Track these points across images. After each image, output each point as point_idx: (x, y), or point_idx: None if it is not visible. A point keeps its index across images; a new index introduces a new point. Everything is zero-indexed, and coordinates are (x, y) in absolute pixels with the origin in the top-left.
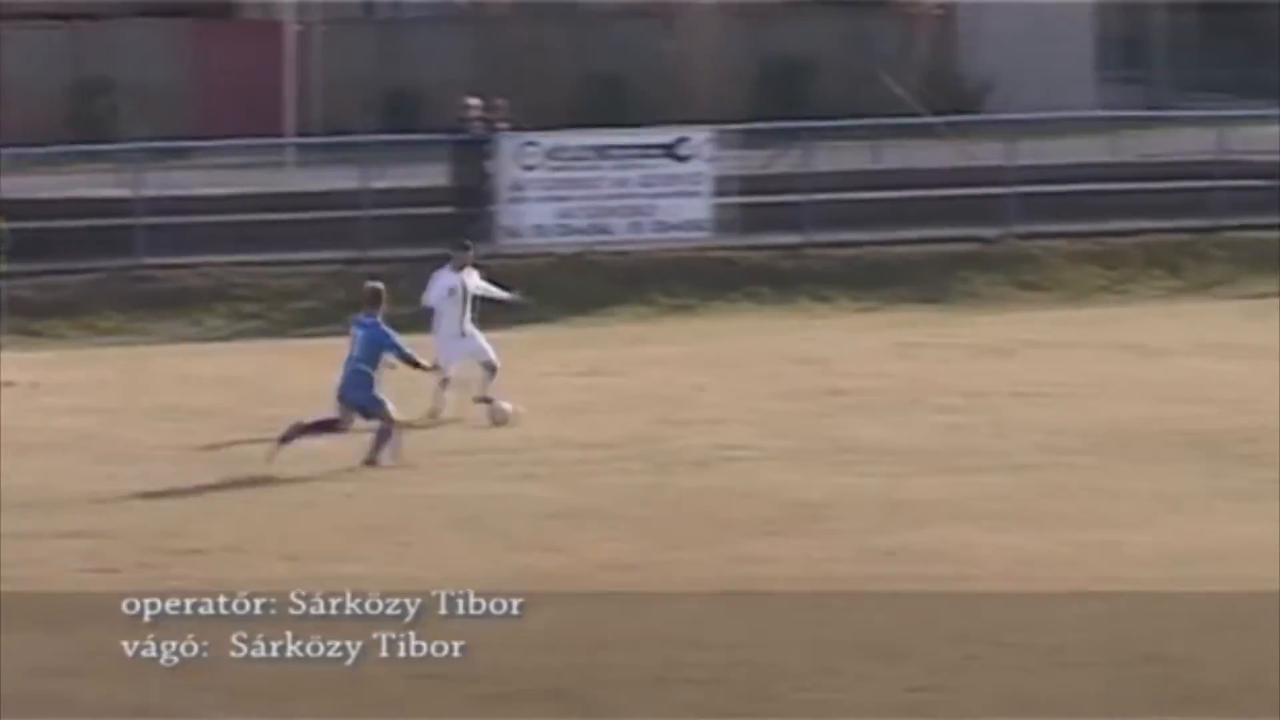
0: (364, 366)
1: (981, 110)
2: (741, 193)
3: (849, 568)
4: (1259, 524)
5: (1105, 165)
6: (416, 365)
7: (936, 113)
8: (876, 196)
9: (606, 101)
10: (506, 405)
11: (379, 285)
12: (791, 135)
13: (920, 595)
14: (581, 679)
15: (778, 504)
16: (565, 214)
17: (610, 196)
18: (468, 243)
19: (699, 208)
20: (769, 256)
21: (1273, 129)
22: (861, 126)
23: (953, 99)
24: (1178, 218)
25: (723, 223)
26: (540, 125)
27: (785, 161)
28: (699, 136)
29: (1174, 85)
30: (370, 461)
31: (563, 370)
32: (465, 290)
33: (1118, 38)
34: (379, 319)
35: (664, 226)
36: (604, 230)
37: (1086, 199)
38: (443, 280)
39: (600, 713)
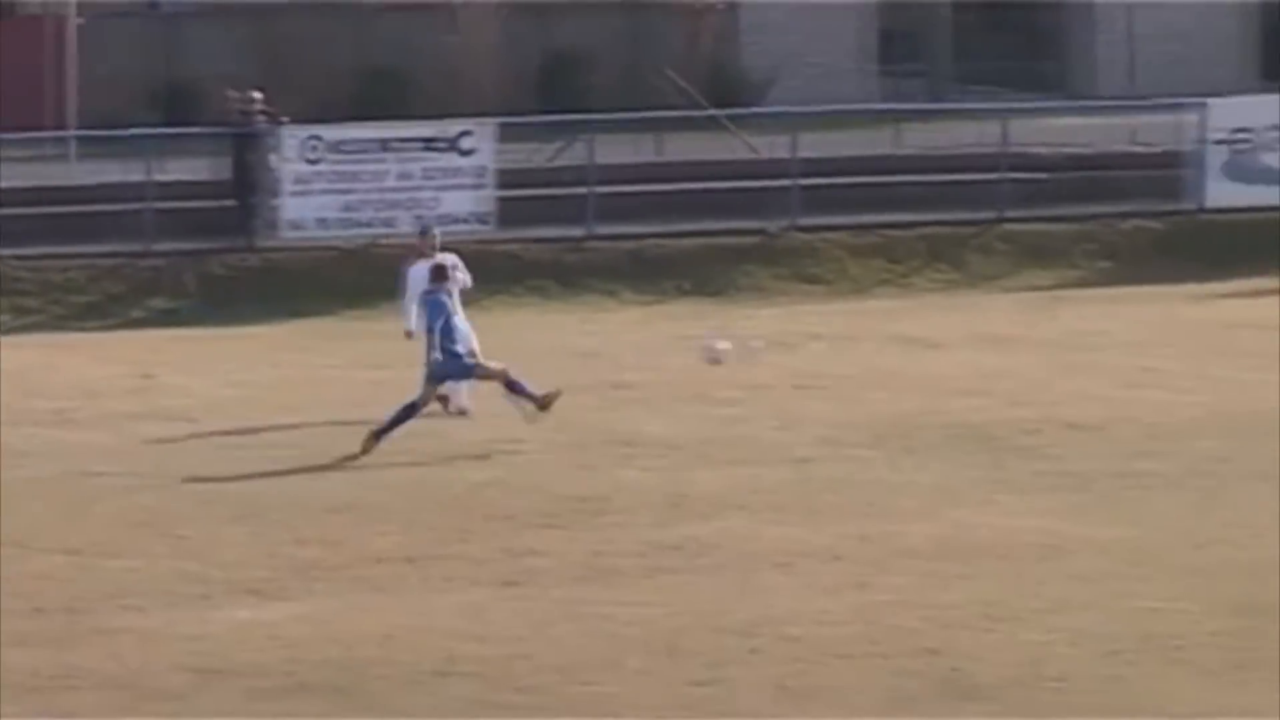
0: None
1: (764, 104)
2: (525, 186)
3: (631, 561)
4: (1039, 516)
5: (887, 158)
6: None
7: (718, 106)
8: (659, 189)
9: (388, 96)
10: (466, 402)
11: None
12: (574, 129)
13: (703, 588)
14: (361, 672)
15: (559, 497)
16: (348, 207)
17: (393, 190)
18: (427, 226)
19: (482, 201)
20: (553, 250)
21: (1052, 122)
22: (644, 120)
23: (735, 93)
24: (959, 210)
25: (506, 216)
26: (322, 119)
27: (568, 155)
28: (481, 130)
29: (955, 79)
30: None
31: (349, 364)
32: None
33: (899, 32)
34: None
35: (447, 219)
36: (387, 223)
37: (869, 192)
38: (418, 272)
39: (380, 706)
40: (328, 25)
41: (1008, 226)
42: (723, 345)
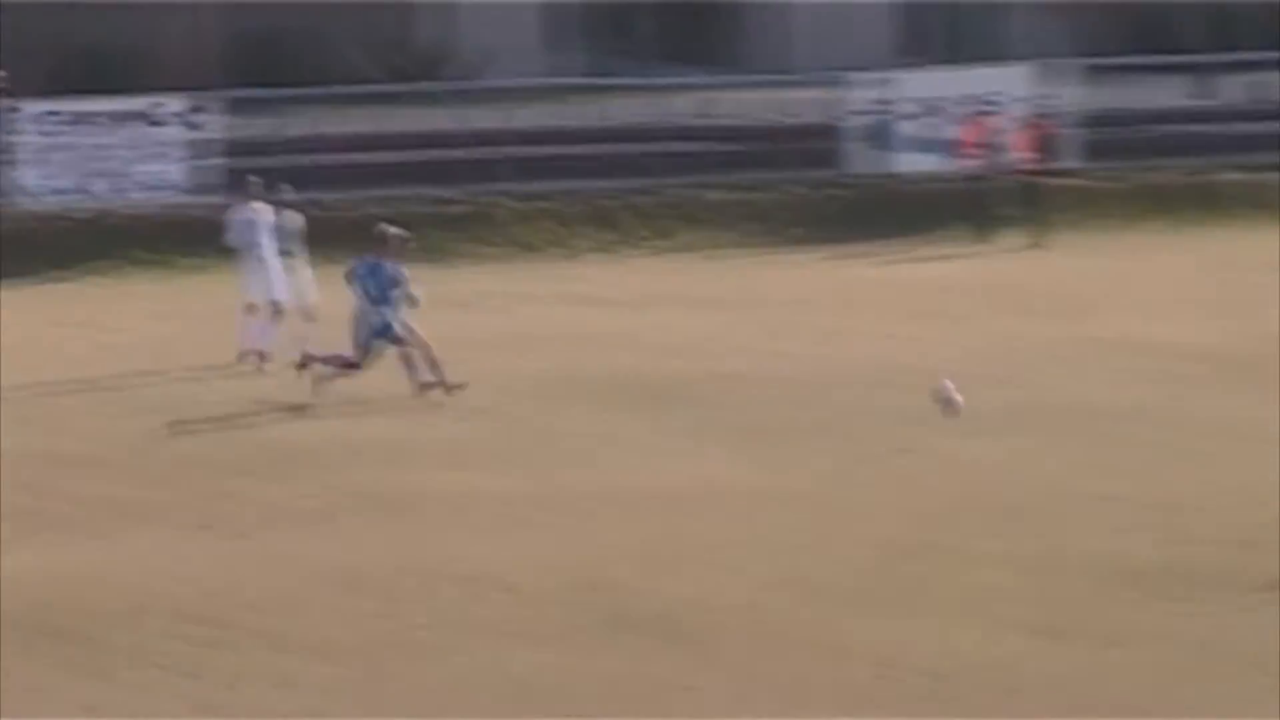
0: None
1: (438, 78)
2: (219, 155)
3: (316, 503)
4: (699, 464)
5: (556, 130)
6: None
7: (397, 80)
8: (343, 159)
9: (88, 71)
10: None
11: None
12: (267, 102)
13: (383, 531)
14: (72, 613)
15: (254, 446)
16: (50, 176)
17: (93, 160)
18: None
19: (178, 171)
20: None
21: (712, 95)
22: (330, 94)
23: (412, 67)
24: (622, 177)
25: (202, 184)
26: (25, 93)
27: (260, 126)
28: (176, 103)
29: (619, 54)
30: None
31: (54, 323)
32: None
33: (566, 8)
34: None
35: (144, 187)
36: (87, 191)
37: (539, 161)
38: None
39: (78, 640)
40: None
41: (666, 193)
42: (958, 397)
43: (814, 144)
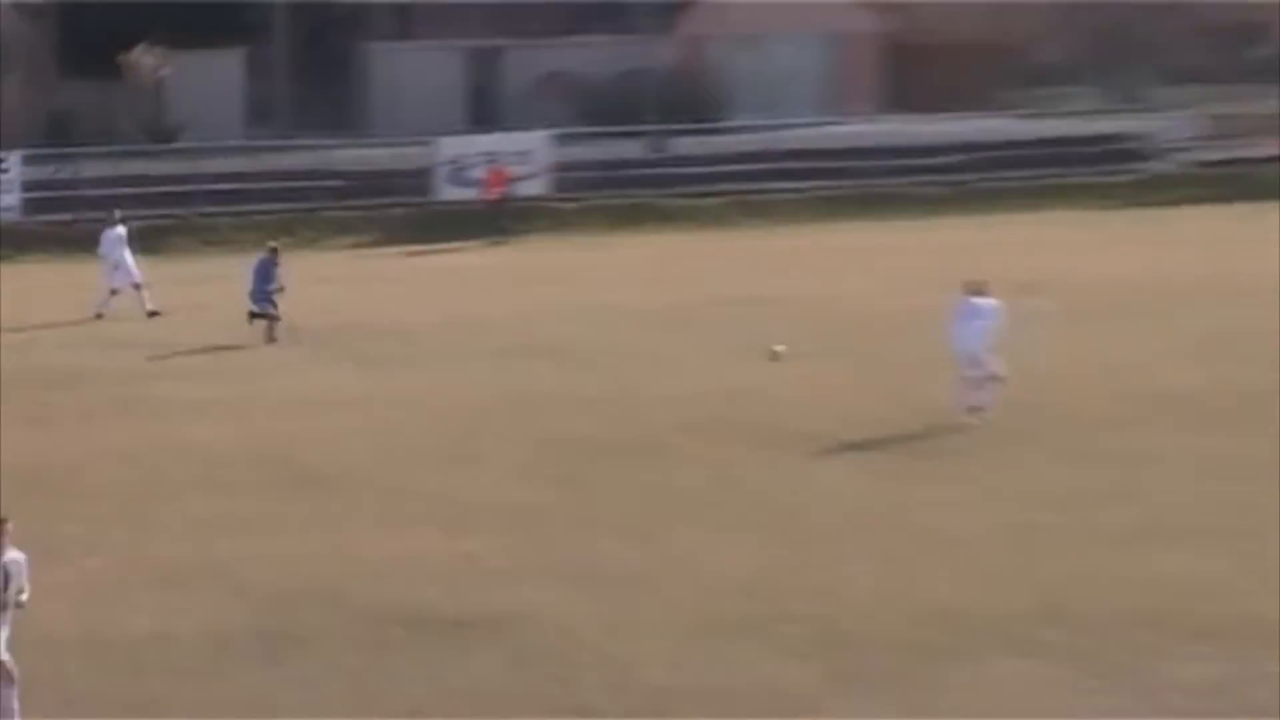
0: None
1: (174, 139)
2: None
3: (99, 406)
4: (337, 378)
5: (238, 173)
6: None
7: (151, 140)
8: (118, 191)
9: None
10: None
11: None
12: (68, 156)
13: (134, 422)
14: None
15: (62, 373)
16: None
17: None
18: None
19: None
20: None
21: (347, 151)
22: (111, 151)
23: (161, 133)
24: (282, 202)
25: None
26: None
27: (65, 171)
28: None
29: (287, 124)
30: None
31: None
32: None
33: (263, 95)
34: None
35: None
36: None
37: (222, 193)
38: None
39: None
40: None
41: (319, 213)
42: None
43: (413, 180)
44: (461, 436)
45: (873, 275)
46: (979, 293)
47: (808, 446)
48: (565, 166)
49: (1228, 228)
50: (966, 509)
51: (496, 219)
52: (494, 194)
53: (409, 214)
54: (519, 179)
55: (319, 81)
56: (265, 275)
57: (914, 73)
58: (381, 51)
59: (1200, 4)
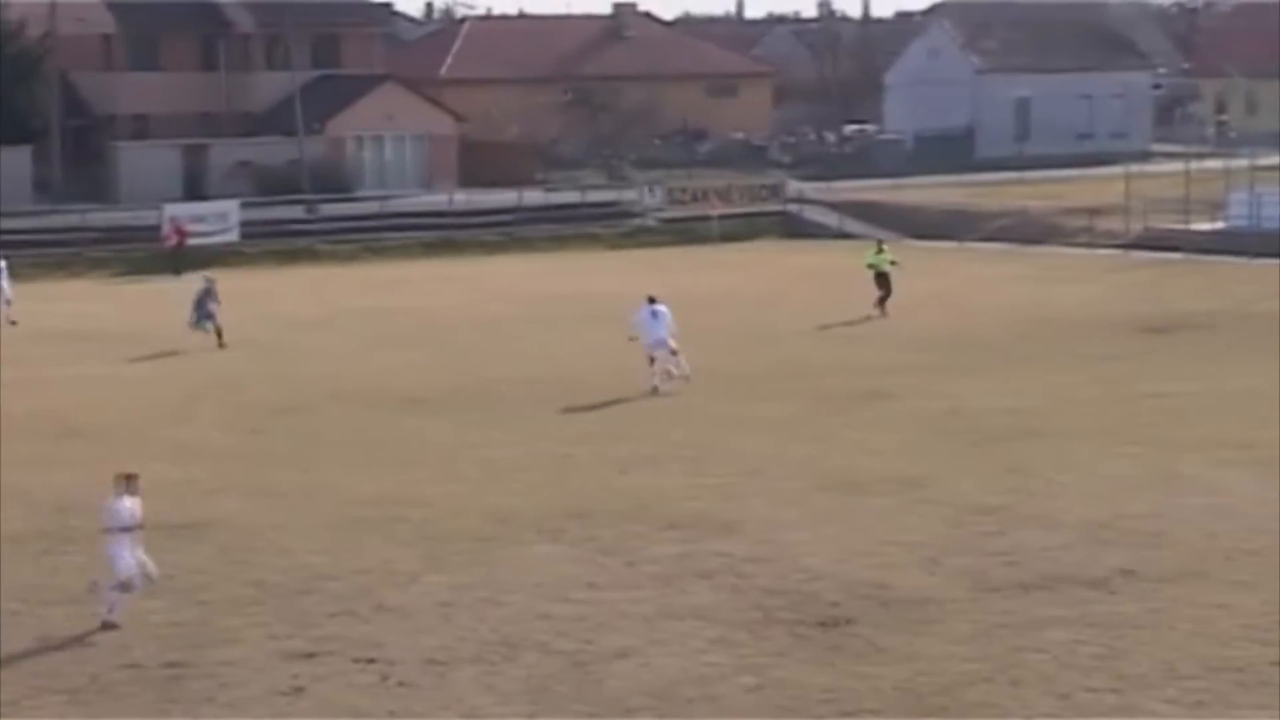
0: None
1: None
2: None
3: None
4: (100, 366)
5: (35, 228)
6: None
7: None
8: None
9: None
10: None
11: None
12: None
13: None
14: None
15: None
16: None
17: None
18: None
19: None
20: None
21: (106, 214)
22: None
23: None
24: (56, 249)
25: None
26: None
27: None
28: None
29: (61, 194)
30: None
31: None
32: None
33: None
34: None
35: None
36: None
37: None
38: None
39: None
40: None
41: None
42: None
43: (147, 233)
44: (182, 402)
45: (455, 293)
46: (654, 300)
47: (412, 408)
48: (249, 224)
49: (685, 259)
50: (519, 446)
51: (174, 260)
52: (173, 242)
53: (144, 255)
54: (196, 234)
55: (82, 167)
56: (204, 301)
57: (479, 160)
58: (125, 147)
59: (662, 116)
